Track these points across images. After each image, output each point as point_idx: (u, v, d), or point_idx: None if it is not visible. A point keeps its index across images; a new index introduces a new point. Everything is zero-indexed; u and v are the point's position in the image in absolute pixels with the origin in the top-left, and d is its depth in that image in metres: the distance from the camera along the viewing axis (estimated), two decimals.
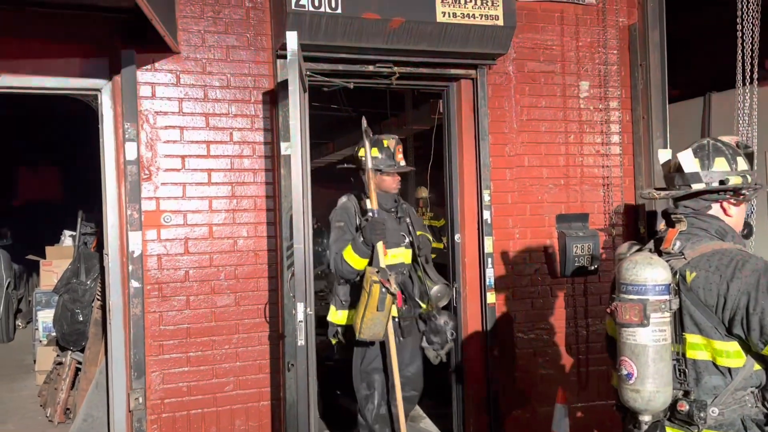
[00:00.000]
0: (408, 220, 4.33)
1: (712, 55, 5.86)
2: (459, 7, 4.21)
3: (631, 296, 2.16)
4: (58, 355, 6.02)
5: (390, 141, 4.25)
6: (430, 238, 4.61)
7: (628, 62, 5.07)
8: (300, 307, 3.36)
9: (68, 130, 9.50)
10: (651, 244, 2.45)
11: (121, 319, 4.00)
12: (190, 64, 4.13)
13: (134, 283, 3.97)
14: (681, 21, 5.40)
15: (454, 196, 4.78)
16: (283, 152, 4.09)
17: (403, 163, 4.28)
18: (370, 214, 4.03)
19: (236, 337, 4.18)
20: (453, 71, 4.60)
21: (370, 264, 4.00)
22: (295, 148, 3.45)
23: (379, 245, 3.96)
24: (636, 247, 2.49)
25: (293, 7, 3.85)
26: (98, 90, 4.00)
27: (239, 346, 4.19)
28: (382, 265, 3.92)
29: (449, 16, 4.19)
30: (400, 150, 4.28)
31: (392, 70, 4.42)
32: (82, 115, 5.34)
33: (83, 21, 3.92)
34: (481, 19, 4.26)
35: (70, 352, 5.69)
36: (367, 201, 4.07)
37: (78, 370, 5.59)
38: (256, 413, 4.21)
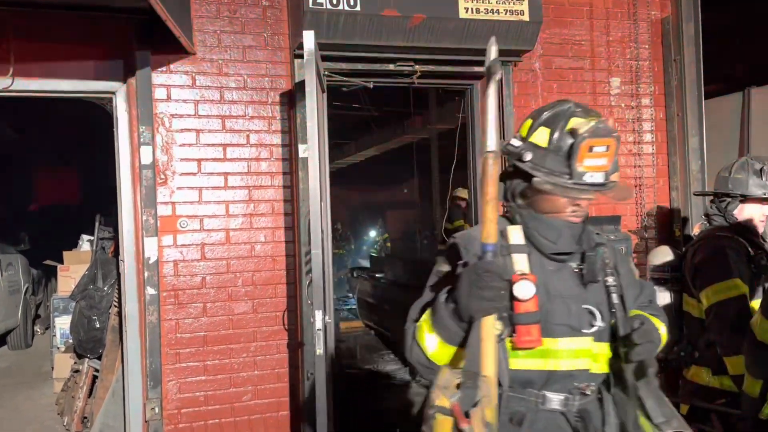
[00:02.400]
0: (611, 281, 2.00)
1: (750, 47, 5.76)
2: (482, 2, 4.18)
3: None
4: (75, 363, 6.09)
5: (579, 122, 1.87)
6: (659, 323, 2.10)
7: (661, 57, 4.99)
8: (318, 314, 3.36)
9: (86, 132, 9.64)
10: None
11: (137, 326, 4.04)
12: (206, 65, 4.15)
13: (150, 290, 4.00)
14: (716, 12, 5.30)
15: (479, 198, 4.74)
16: (300, 155, 4.10)
17: (598, 175, 1.87)
18: (480, 252, 1.75)
19: (254, 345, 4.20)
20: (477, 69, 4.57)
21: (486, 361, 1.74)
22: (313, 150, 3.45)
23: (487, 323, 1.69)
24: None
25: (311, 5, 3.86)
26: (113, 93, 4.05)
27: (257, 354, 4.20)
28: (489, 369, 1.68)
29: (472, 12, 4.16)
30: (604, 148, 1.85)
31: (413, 69, 4.41)
32: (99, 117, 5.41)
33: (97, 23, 3.97)
34: (505, 14, 4.23)
35: (87, 359, 5.75)
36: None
37: (95, 377, 5.65)
38: (274, 423, 4.22)
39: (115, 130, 4.09)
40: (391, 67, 4.38)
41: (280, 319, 4.23)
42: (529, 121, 1.96)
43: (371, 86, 4.49)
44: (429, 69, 4.45)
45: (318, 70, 3.65)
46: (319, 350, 3.40)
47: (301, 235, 4.16)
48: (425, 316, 1.85)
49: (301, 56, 3.60)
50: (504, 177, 2.01)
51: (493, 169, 1.72)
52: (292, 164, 4.25)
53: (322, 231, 3.51)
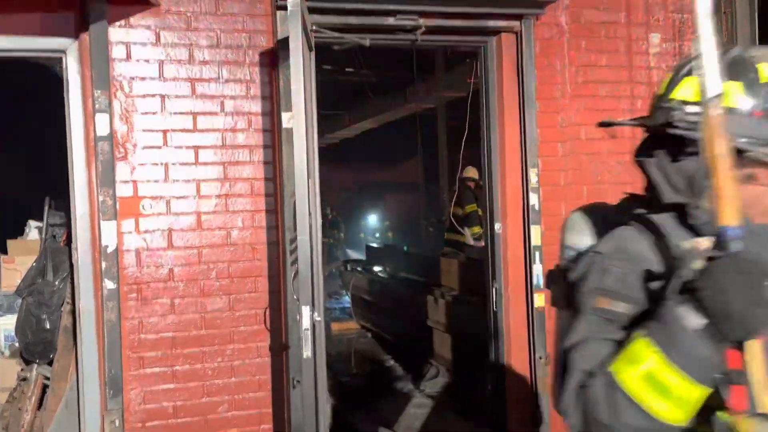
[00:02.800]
0: None
1: None
2: None
3: None
4: (22, 370, 6.08)
5: None
6: None
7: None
8: (305, 311, 3.35)
9: (34, 101, 9.59)
10: None
11: (94, 326, 4.02)
12: (172, 18, 4.11)
13: (108, 284, 3.98)
14: None
15: (493, 176, 4.72)
16: (284, 125, 4.07)
17: None
18: (719, 238, 1.34)
19: (231, 347, 4.18)
20: (492, 23, 4.53)
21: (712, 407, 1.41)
22: (299, 119, 3.42)
23: (755, 347, 1.32)
24: None
25: None
26: (63, 51, 4.00)
27: (234, 358, 4.19)
28: (764, 407, 1.36)
29: None
30: None
31: (417, 23, 4.37)
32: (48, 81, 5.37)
33: None
34: None
35: (35, 365, 5.75)
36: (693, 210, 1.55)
37: (45, 386, 5.65)
38: None
39: (65, 95, 4.05)
40: (391, 20, 4.34)
41: (261, 318, 4.22)
42: (695, 79, 1.55)
43: (367, 44, 4.45)
44: (435, 23, 4.41)
45: (304, 23, 3.61)
46: (307, 353, 3.39)
47: (285, 219, 4.14)
48: (638, 349, 1.38)
49: (285, 8, 3.56)
50: (662, 160, 1.62)
51: (721, 122, 1.35)
52: (274, 136, 4.23)
53: (309, 214, 3.48)
